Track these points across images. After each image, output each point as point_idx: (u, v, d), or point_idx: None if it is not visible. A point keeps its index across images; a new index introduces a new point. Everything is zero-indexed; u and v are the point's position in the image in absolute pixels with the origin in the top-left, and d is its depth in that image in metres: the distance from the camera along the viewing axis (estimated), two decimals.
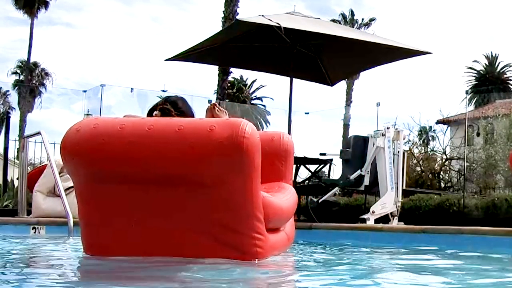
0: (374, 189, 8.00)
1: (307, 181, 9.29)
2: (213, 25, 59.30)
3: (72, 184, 8.01)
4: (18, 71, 40.39)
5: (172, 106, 4.04)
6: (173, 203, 3.51)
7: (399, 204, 7.69)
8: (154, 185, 3.49)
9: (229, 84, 20.75)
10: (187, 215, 3.52)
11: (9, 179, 11.11)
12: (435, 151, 14.42)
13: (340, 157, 8.61)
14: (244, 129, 3.39)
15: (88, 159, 3.52)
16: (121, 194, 3.56)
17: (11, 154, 11.88)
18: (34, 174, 8.39)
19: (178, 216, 3.53)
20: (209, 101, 11.84)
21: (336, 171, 9.85)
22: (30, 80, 38.58)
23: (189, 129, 3.43)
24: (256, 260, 3.57)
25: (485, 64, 39.04)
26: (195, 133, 3.40)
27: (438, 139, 15.09)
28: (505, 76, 38.64)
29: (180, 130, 3.40)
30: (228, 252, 3.50)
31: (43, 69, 40.27)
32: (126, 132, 3.46)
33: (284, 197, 4.28)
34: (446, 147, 14.11)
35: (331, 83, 10.24)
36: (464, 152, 11.63)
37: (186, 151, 3.36)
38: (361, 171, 7.78)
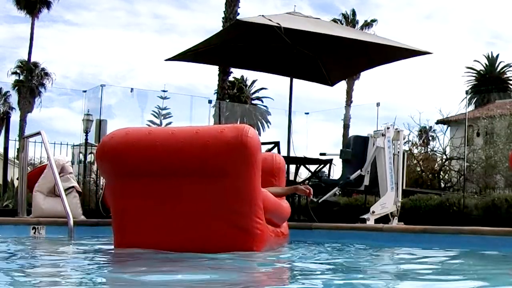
0: (374, 189, 8.00)
1: (307, 181, 9.28)
2: (214, 26, 59.28)
3: (72, 184, 8.09)
4: (18, 71, 40.36)
5: None
6: (194, 192, 4.26)
7: (399, 204, 7.69)
8: (179, 178, 4.23)
9: (229, 84, 20.75)
10: (207, 202, 4.24)
11: (9, 179, 11.10)
12: (435, 151, 14.43)
13: (340, 157, 8.60)
14: (247, 131, 4.20)
15: (123, 158, 4.26)
16: (151, 187, 4.29)
17: (11, 154, 11.88)
18: (34, 174, 8.37)
19: (200, 204, 4.25)
20: (209, 101, 11.84)
21: (336, 171, 9.86)
22: (30, 80, 38.57)
23: (204, 131, 4.28)
24: (255, 240, 4.27)
25: (485, 64, 39.01)
26: (209, 134, 4.23)
27: (438, 139, 15.10)
28: (505, 76, 38.60)
29: (198, 133, 4.22)
30: (236, 232, 4.25)
31: (43, 69, 40.25)
32: (153, 136, 4.29)
33: (280, 201, 5.10)
34: (446, 147, 14.12)
35: (331, 83, 10.24)
36: (464, 152, 11.63)
37: (203, 149, 4.15)
38: (361, 171, 7.78)
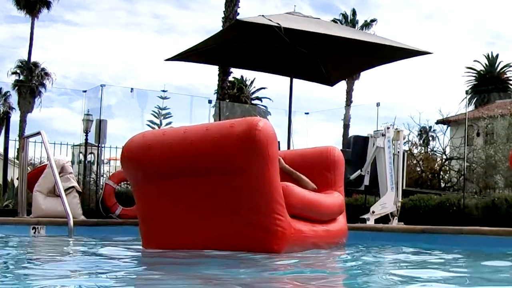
0: (374, 189, 8.00)
1: None
2: (214, 26, 59.26)
3: (72, 184, 8.09)
4: (18, 71, 40.34)
5: None
6: (209, 190, 4.18)
7: (399, 204, 7.69)
8: (193, 177, 4.18)
9: (229, 84, 20.74)
10: (223, 200, 4.16)
11: (9, 179, 11.10)
12: (435, 151, 14.44)
13: None
14: (257, 124, 4.04)
15: (140, 161, 4.34)
16: (169, 187, 4.27)
17: (11, 154, 11.87)
18: (34, 174, 8.38)
19: (216, 202, 4.19)
20: (209, 101, 11.84)
21: None
22: (30, 80, 38.56)
23: (214, 128, 4.25)
24: (275, 238, 4.09)
25: (485, 64, 39.01)
26: (219, 130, 4.16)
27: (438, 139, 15.12)
28: (505, 76, 38.59)
29: (208, 130, 4.17)
30: (254, 230, 4.11)
31: (43, 69, 40.23)
32: (167, 136, 4.30)
33: (322, 196, 4.94)
34: (446, 147, 14.13)
35: (331, 83, 10.24)
36: (464, 152, 11.63)
37: (213, 146, 4.08)
38: (361, 171, 7.78)
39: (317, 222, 4.76)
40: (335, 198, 5.18)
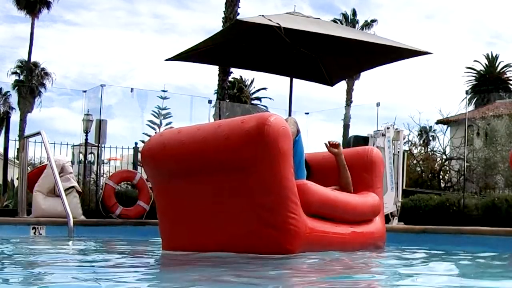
0: None
1: None
2: (214, 26, 59.25)
3: (72, 184, 8.10)
4: (18, 71, 40.36)
5: None
6: (223, 188, 4.13)
7: (399, 204, 7.69)
8: (205, 175, 4.16)
9: (229, 84, 20.73)
10: (234, 198, 4.08)
11: (9, 179, 11.10)
12: (435, 151, 14.45)
13: None
14: (267, 119, 3.94)
15: (155, 159, 4.38)
16: (182, 185, 4.26)
17: (11, 154, 11.86)
18: (34, 174, 8.38)
19: (227, 200, 4.12)
20: (209, 101, 11.83)
21: None
22: (30, 80, 38.56)
23: (226, 124, 4.20)
24: (288, 237, 3.98)
25: (485, 64, 39.01)
26: (230, 126, 4.09)
27: (438, 139, 15.14)
28: (505, 76, 38.59)
29: (220, 126, 4.13)
30: (266, 229, 3.99)
31: (43, 69, 40.24)
32: (181, 134, 4.30)
33: (348, 195, 4.78)
34: (446, 147, 14.14)
35: (331, 83, 10.23)
36: (464, 152, 11.63)
37: (223, 141, 4.01)
38: None
39: (343, 223, 4.59)
40: (367, 198, 4.95)
